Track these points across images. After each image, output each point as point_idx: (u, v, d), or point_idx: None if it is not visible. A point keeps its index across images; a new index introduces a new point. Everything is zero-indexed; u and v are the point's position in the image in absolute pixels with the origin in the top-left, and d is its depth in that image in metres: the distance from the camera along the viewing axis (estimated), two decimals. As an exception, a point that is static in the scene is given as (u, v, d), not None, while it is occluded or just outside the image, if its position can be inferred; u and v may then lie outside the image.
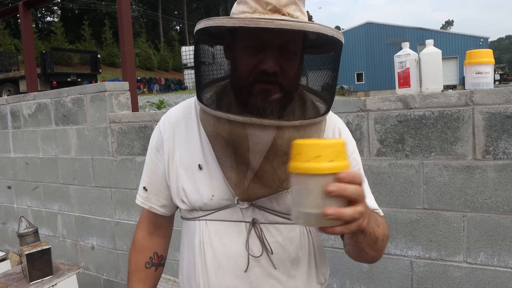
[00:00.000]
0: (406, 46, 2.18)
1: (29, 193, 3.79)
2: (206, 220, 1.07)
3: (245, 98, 0.96)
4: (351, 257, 1.06)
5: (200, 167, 1.06)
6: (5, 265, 3.05)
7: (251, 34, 0.92)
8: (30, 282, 2.37)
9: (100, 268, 3.35)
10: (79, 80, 18.06)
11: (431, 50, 2.11)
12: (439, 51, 2.11)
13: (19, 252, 2.55)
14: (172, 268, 2.78)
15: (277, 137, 0.91)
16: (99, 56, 21.04)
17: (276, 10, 0.91)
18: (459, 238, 1.93)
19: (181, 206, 1.11)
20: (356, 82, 38.89)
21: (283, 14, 0.92)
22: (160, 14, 54.25)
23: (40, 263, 2.40)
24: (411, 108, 1.96)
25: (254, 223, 1.03)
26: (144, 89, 26.01)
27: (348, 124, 2.11)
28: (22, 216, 2.71)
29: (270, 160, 0.94)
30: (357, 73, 39.09)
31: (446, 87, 2.18)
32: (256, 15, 0.91)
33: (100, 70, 20.51)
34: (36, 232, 2.61)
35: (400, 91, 2.14)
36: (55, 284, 2.40)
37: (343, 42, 0.93)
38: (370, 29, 38.58)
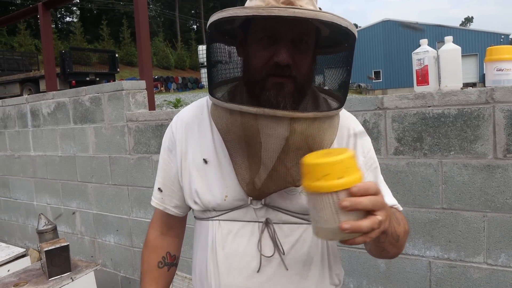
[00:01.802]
0: (424, 43, 2.14)
1: (49, 191, 3.85)
2: (219, 220, 1.06)
3: (258, 92, 0.94)
4: (373, 255, 1.05)
5: (205, 161, 1.05)
6: (25, 261, 3.10)
7: (264, 24, 0.91)
8: (49, 278, 2.40)
9: (117, 265, 3.38)
10: (97, 79, 18.24)
11: (450, 46, 2.07)
12: (458, 48, 2.07)
13: (39, 248, 2.59)
14: (189, 266, 2.79)
15: (289, 130, 0.88)
16: (117, 55, 21.23)
17: (289, 3, 0.91)
18: (479, 238, 1.89)
19: (194, 207, 1.10)
20: (373, 80, 38.51)
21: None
22: (177, 13, 54.55)
23: (59, 260, 2.43)
24: (429, 106, 1.92)
25: (267, 223, 1.02)
26: (162, 88, 26.19)
27: (365, 122, 2.08)
28: (42, 213, 2.75)
29: (282, 155, 0.92)
30: (374, 71, 38.69)
31: (466, 85, 2.13)
32: None
33: (118, 69, 20.71)
34: (55, 229, 2.65)
35: (418, 89, 2.11)
36: (74, 281, 2.43)
37: (356, 35, 0.91)
38: (387, 26, 38.15)
